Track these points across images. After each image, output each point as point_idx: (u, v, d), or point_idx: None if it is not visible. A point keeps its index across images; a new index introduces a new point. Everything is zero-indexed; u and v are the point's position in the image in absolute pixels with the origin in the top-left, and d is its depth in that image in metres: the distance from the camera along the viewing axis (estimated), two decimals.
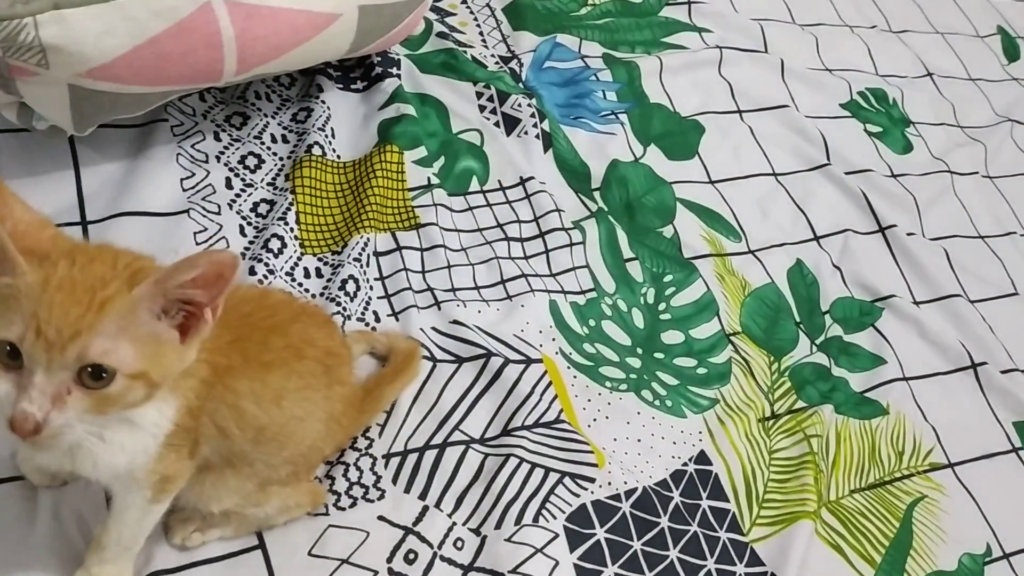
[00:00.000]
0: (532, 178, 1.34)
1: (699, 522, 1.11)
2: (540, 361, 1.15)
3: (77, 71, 0.89)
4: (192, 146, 1.16)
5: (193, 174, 1.13)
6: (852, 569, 1.16)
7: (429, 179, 1.27)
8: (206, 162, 1.15)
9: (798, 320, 1.39)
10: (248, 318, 0.78)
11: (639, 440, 1.15)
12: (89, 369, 0.60)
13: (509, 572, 0.97)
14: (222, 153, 1.17)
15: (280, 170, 1.19)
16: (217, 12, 0.93)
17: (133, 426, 0.68)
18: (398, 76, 1.35)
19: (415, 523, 0.98)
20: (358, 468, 0.99)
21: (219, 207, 1.12)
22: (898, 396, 1.36)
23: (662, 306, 1.31)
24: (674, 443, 1.17)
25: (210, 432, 0.76)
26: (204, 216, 1.10)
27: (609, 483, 1.09)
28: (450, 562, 0.97)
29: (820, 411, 1.28)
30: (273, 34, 0.97)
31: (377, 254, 1.17)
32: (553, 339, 1.19)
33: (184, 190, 1.12)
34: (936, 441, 1.34)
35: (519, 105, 1.41)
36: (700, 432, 1.20)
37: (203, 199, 1.12)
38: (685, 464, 1.16)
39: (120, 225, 1.04)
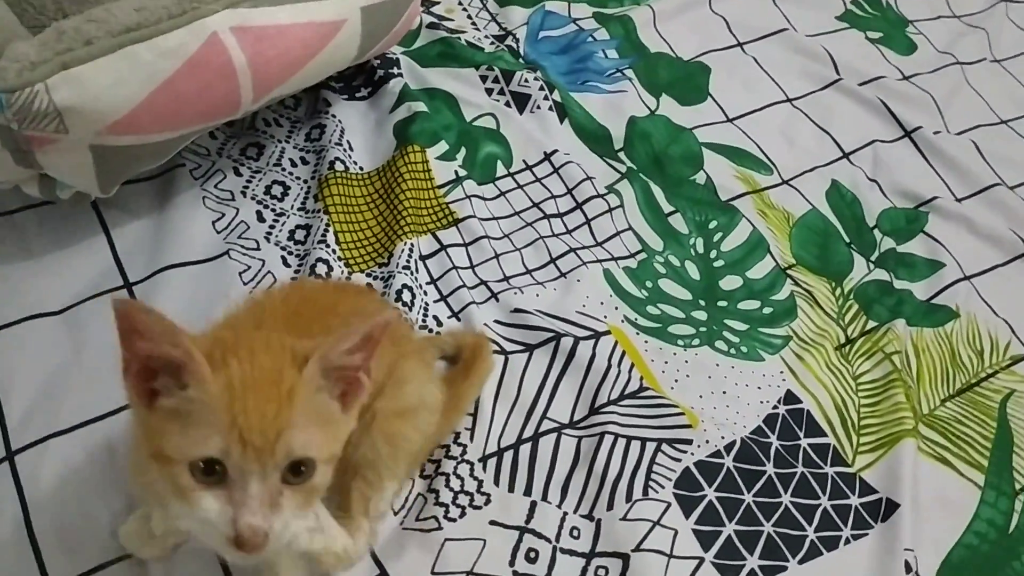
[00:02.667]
0: (556, 151, 1.30)
1: (803, 462, 1.09)
2: (609, 332, 1.12)
3: (97, 129, 0.85)
4: (215, 186, 1.12)
5: (223, 214, 1.10)
6: (962, 478, 1.13)
7: (456, 172, 1.24)
8: (232, 200, 1.12)
9: (848, 241, 1.36)
10: (300, 318, 0.74)
11: (724, 392, 1.13)
12: (291, 465, 0.58)
13: (633, 551, 0.94)
14: (246, 187, 1.14)
15: (307, 193, 1.16)
16: (226, 42, 0.89)
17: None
18: (400, 75, 1.31)
19: (527, 521, 0.95)
20: (458, 476, 0.96)
21: (256, 242, 1.09)
22: (964, 297, 1.33)
23: (713, 253, 1.28)
24: (759, 388, 1.15)
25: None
26: (245, 255, 1.07)
27: (707, 441, 1.06)
28: (571, 553, 0.94)
29: (893, 327, 1.25)
30: (285, 52, 0.94)
31: (423, 258, 1.14)
32: (616, 308, 1.16)
33: (218, 232, 1.08)
34: (1011, 334, 1.31)
35: (525, 81, 1.37)
36: (781, 372, 1.17)
37: (239, 237, 1.08)
38: (775, 407, 1.13)
39: (165, 280, 1.01)
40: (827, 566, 1.00)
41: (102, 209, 1.05)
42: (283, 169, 1.17)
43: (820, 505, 1.05)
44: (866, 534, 1.04)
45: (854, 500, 1.07)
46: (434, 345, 1.03)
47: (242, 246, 1.08)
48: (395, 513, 0.92)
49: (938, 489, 1.11)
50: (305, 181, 1.17)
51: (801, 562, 1.00)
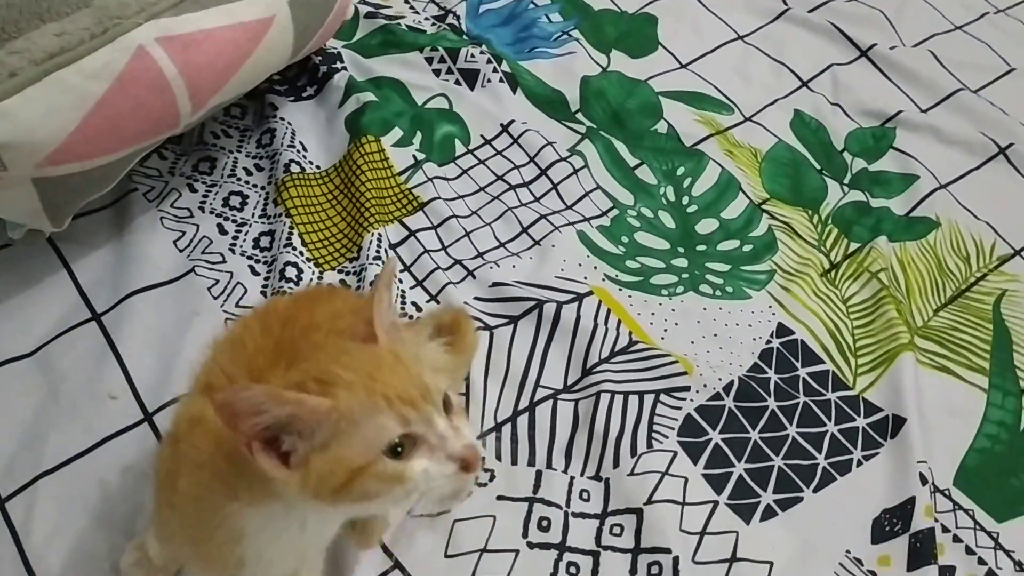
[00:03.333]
0: (513, 121, 1.29)
1: (804, 392, 1.07)
2: (591, 293, 1.11)
3: (36, 161, 0.83)
4: (172, 205, 1.10)
5: (183, 232, 1.08)
6: (965, 384, 1.13)
7: (415, 156, 1.22)
8: (191, 217, 1.10)
9: (819, 168, 1.35)
10: (285, 343, 0.73)
11: (715, 335, 1.11)
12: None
13: (645, 504, 0.93)
14: (203, 202, 1.11)
15: (266, 199, 1.14)
16: (153, 54, 0.87)
17: None
18: (345, 69, 1.29)
19: (535, 490, 0.94)
20: None
21: (222, 255, 1.07)
22: (943, 205, 1.32)
23: (685, 199, 1.27)
24: (749, 326, 1.13)
25: None
26: (211, 269, 1.05)
27: (704, 385, 1.05)
28: (584, 515, 0.93)
29: (876, 245, 1.24)
30: (216, 57, 0.92)
31: (393, 246, 1.12)
32: (595, 267, 1.15)
33: (181, 250, 1.06)
34: (995, 235, 1.30)
35: (472, 56, 1.35)
36: (770, 306, 1.16)
37: (203, 253, 1.06)
38: (768, 342, 1.12)
39: (133, 306, 0.99)
40: (842, 490, 0.99)
41: (59, 245, 1.03)
42: (238, 179, 1.15)
43: (827, 432, 1.04)
44: (877, 453, 1.03)
45: (860, 422, 1.05)
46: (415, 330, 1.01)
47: (207, 261, 1.06)
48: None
49: (943, 398, 1.10)
50: (263, 188, 1.15)
51: (816, 490, 0.99)
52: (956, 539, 0.98)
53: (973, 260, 1.27)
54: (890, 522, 0.97)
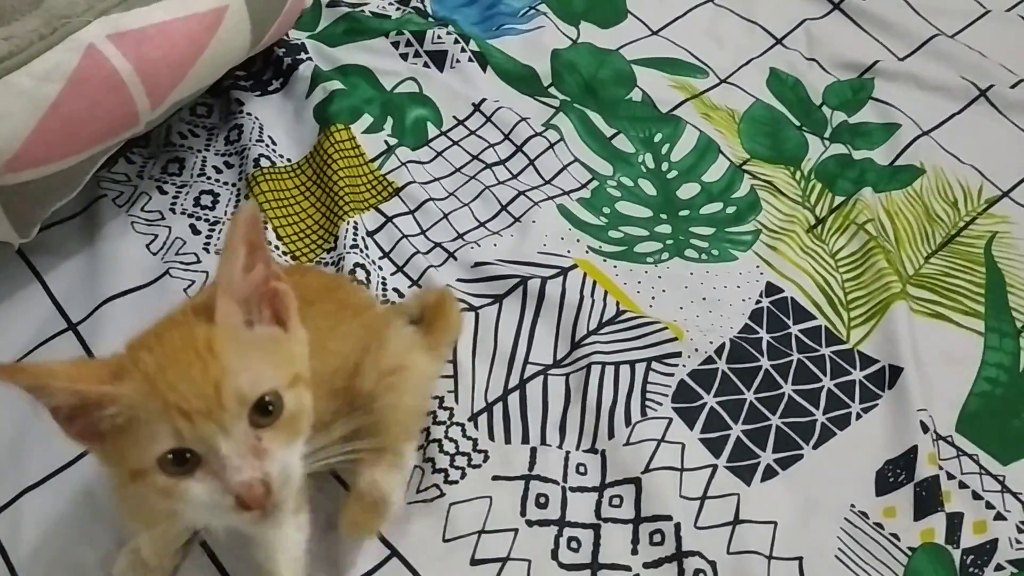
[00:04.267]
0: (484, 99, 1.27)
1: (797, 348, 1.06)
2: (575, 266, 1.09)
3: None
4: (142, 209, 1.08)
5: (155, 235, 1.06)
6: (961, 329, 1.11)
7: (386, 142, 1.20)
8: (162, 219, 1.08)
9: (798, 124, 1.33)
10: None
11: (704, 298, 1.10)
12: (255, 408, 0.55)
13: (643, 473, 0.91)
14: (174, 204, 1.10)
15: (238, 196, 1.12)
16: (105, 52, 0.85)
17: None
18: (310, 59, 1.27)
19: (531, 468, 0.92)
20: (451, 439, 0.93)
21: (196, 255, 1.05)
22: (927, 152, 1.31)
23: (664, 166, 1.25)
24: (738, 287, 1.11)
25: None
26: (186, 270, 1.03)
27: (696, 350, 1.03)
28: (581, 489, 0.91)
29: (861, 197, 1.22)
30: (170, 51, 0.89)
31: (370, 234, 1.10)
32: (577, 240, 1.13)
33: (154, 253, 1.04)
34: (982, 177, 1.29)
35: (439, 38, 1.33)
36: (757, 266, 1.14)
37: (177, 254, 1.04)
38: (758, 302, 1.10)
39: (109, 313, 0.97)
40: (843, 444, 0.98)
41: (30, 257, 1.01)
42: (208, 178, 1.13)
43: (823, 387, 1.02)
44: (876, 405, 1.01)
45: (857, 375, 1.04)
46: (398, 313, 1.00)
47: (181, 262, 1.04)
48: None
49: (939, 345, 1.08)
50: (233, 185, 1.13)
51: (816, 446, 0.97)
52: (962, 485, 0.96)
53: (961, 204, 1.26)
54: (894, 473, 0.95)
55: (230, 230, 0.55)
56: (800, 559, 0.88)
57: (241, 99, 1.21)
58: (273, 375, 0.56)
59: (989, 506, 0.95)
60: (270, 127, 1.19)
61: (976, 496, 0.96)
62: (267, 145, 1.16)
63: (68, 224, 1.05)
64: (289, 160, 1.17)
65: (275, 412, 0.55)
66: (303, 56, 1.27)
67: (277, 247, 1.06)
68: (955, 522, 0.93)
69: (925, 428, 0.98)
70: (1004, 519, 0.94)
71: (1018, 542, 0.92)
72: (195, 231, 1.07)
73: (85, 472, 0.85)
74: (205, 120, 1.20)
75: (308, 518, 0.75)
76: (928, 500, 0.92)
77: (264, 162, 1.13)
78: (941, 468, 0.95)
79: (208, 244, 1.06)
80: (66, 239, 1.04)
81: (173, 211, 1.09)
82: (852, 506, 0.93)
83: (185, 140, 1.17)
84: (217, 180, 1.13)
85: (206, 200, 1.11)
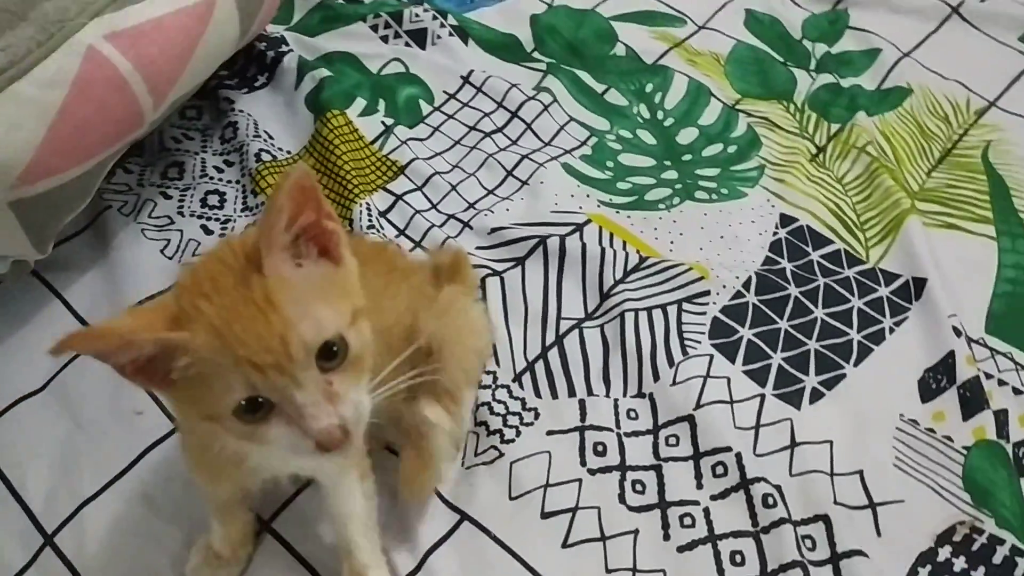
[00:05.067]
0: (472, 71, 1.26)
1: (822, 273, 1.07)
2: (590, 221, 1.09)
3: (10, 183, 0.79)
4: (149, 216, 1.06)
5: (168, 240, 1.04)
6: (974, 236, 1.13)
7: (383, 123, 1.19)
8: (172, 224, 1.06)
9: (783, 60, 1.34)
10: None
11: (722, 237, 1.10)
12: (322, 352, 0.54)
13: (695, 410, 0.91)
14: (181, 207, 1.08)
15: (244, 193, 1.10)
16: (105, 52, 0.83)
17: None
18: (292, 51, 1.25)
19: (583, 419, 0.92)
20: (499, 401, 0.92)
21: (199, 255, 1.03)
22: (911, 72, 1.33)
23: (660, 114, 1.25)
24: (752, 222, 1.12)
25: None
26: None
27: (724, 287, 1.04)
28: (636, 434, 0.91)
29: (856, 122, 1.24)
30: (168, 46, 0.88)
31: (382, 214, 1.09)
32: (588, 196, 1.13)
33: (169, 258, 1.02)
34: (967, 90, 1.31)
35: (416, 16, 1.32)
36: (768, 200, 1.15)
37: (194, 255, 1.03)
38: (775, 233, 1.11)
39: None
40: (882, 358, 0.99)
41: (46, 277, 0.98)
42: (211, 178, 1.11)
43: (853, 307, 1.03)
44: (906, 317, 1.02)
45: (883, 291, 1.05)
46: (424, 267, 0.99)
47: (186, 263, 1.02)
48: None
49: (956, 254, 1.10)
50: (238, 182, 1.11)
51: (856, 364, 0.98)
52: (1001, 383, 0.98)
53: (952, 119, 1.28)
54: (935, 379, 0.97)
55: (274, 192, 0.54)
56: (860, 472, 0.89)
57: (230, 97, 1.19)
58: (334, 316, 0.55)
59: None
60: (264, 122, 1.18)
61: (1017, 391, 0.97)
62: (265, 140, 1.15)
63: (77, 239, 1.03)
64: (289, 152, 1.15)
65: (340, 354, 0.55)
66: (285, 48, 1.25)
67: None
68: (1001, 419, 0.94)
69: (958, 333, 0.99)
70: None
71: None
72: (207, 231, 1.06)
73: (141, 478, 0.84)
74: (196, 122, 1.18)
75: (374, 484, 0.75)
76: (973, 400, 0.94)
77: (265, 156, 1.12)
78: (979, 370, 0.97)
79: None
80: (78, 254, 1.02)
81: (181, 214, 1.07)
82: (901, 415, 0.94)
83: (180, 144, 1.15)
84: (220, 179, 1.11)
85: (213, 200, 1.09)
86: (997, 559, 0.84)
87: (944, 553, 0.84)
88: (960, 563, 0.83)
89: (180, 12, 0.89)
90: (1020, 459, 0.92)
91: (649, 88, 1.28)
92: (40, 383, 0.91)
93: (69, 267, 1.00)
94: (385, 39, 1.31)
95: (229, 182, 1.11)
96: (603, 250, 1.05)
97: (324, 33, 1.31)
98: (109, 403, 0.88)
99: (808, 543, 0.83)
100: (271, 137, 1.16)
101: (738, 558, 0.83)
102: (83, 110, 0.82)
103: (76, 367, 0.91)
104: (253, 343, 0.52)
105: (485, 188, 1.14)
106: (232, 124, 1.16)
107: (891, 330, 1.02)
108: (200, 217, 1.07)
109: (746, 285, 1.04)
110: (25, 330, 0.94)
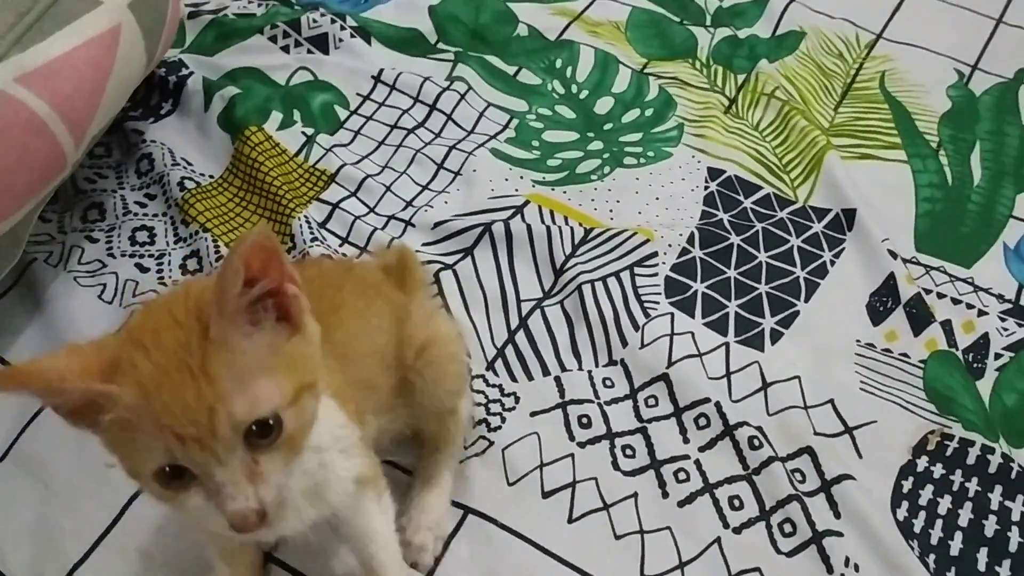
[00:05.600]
0: (382, 70, 1.25)
1: (757, 219, 1.10)
2: (528, 202, 1.10)
3: None
4: (79, 262, 1.02)
5: (104, 285, 1.00)
6: (888, 162, 1.19)
7: (304, 133, 1.17)
8: (105, 267, 1.02)
9: (679, 20, 1.38)
10: None
11: (657, 198, 1.13)
12: (254, 429, 0.51)
13: (668, 368, 0.93)
14: (110, 249, 1.03)
15: (174, 224, 1.06)
16: (18, 96, 0.79)
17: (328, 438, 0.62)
18: (194, 73, 1.21)
19: (562, 396, 0.93)
20: (478, 391, 0.92)
21: (155, 291, 1.00)
22: (801, 16, 1.38)
23: (574, 88, 1.27)
24: (683, 179, 1.15)
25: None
26: None
27: (669, 245, 1.06)
28: (615, 401, 0.93)
29: (760, 70, 1.28)
30: (80, 80, 0.84)
31: (321, 224, 1.07)
32: (521, 177, 1.14)
33: (108, 302, 0.98)
34: (855, 27, 1.37)
35: (314, 22, 1.30)
36: (693, 156, 1.18)
37: (133, 296, 0.99)
38: (706, 187, 1.14)
39: None
40: (829, 290, 1.03)
41: None
42: (135, 215, 1.07)
43: (793, 246, 1.07)
44: (843, 248, 1.07)
45: (817, 227, 1.09)
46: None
47: (142, 302, 0.98)
48: None
49: (876, 181, 1.15)
50: (164, 214, 1.08)
51: (807, 300, 1.02)
52: (940, 295, 1.04)
53: (846, 54, 1.33)
54: (881, 302, 1.01)
55: (231, 253, 0.50)
56: (832, 401, 0.93)
57: (139, 129, 1.15)
58: (273, 393, 0.52)
59: (969, 307, 1.03)
60: (180, 149, 1.14)
61: (956, 301, 1.03)
62: (184, 167, 1.11)
63: (6, 299, 0.98)
64: (212, 176, 1.12)
65: (275, 432, 0.52)
66: (186, 71, 1.21)
67: None
68: (947, 328, 0.99)
69: (893, 255, 1.04)
70: (986, 313, 1.02)
71: (1005, 330, 1.00)
72: (143, 269, 1.02)
73: (129, 531, 0.80)
74: (107, 160, 1.14)
75: (390, 498, 0.74)
76: (920, 315, 0.99)
77: (189, 184, 1.08)
78: (918, 286, 1.02)
79: (161, 277, 1.01)
80: (10, 313, 0.96)
81: (112, 256, 1.02)
82: (858, 341, 0.98)
83: (95, 184, 1.10)
84: (146, 214, 1.07)
85: (142, 236, 1.05)
86: (971, 460, 0.89)
87: (922, 463, 0.89)
88: (939, 469, 0.88)
89: (88, 43, 0.85)
90: (971, 363, 0.97)
91: (559, 63, 1.29)
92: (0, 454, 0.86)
93: (3, 329, 0.94)
94: (286, 49, 1.28)
95: (155, 215, 1.07)
96: (548, 228, 1.05)
97: (222, 51, 1.28)
98: (77, 461, 0.84)
99: (798, 476, 0.86)
100: (189, 164, 1.13)
101: (736, 502, 0.85)
102: (4, 159, 0.78)
103: (32, 431, 0.87)
104: (179, 413, 0.49)
105: (419, 184, 1.13)
106: (146, 156, 1.12)
107: (832, 262, 1.06)
108: (132, 256, 1.03)
109: (690, 241, 1.07)
110: None
